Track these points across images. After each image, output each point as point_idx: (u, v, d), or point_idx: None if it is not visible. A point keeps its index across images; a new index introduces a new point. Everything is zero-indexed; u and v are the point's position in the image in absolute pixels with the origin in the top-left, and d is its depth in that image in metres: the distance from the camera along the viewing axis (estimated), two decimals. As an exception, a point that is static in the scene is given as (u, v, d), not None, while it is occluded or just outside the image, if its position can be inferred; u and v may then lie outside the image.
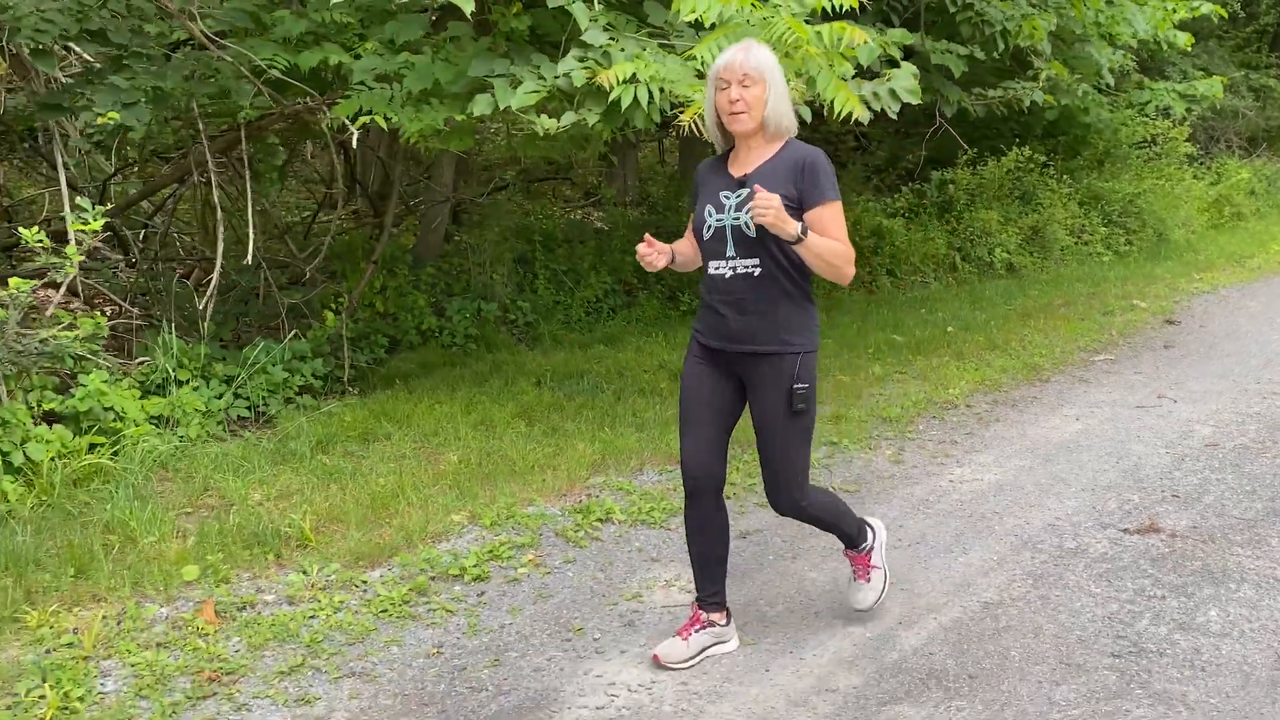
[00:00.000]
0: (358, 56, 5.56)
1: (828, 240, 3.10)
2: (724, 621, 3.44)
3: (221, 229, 5.37)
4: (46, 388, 4.96)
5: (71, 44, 5.82)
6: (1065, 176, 12.12)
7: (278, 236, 6.93)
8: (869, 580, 3.57)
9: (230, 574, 3.88)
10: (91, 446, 4.85)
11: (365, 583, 3.86)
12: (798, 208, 3.09)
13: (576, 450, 5.19)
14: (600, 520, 4.47)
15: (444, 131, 5.06)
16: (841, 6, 4.08)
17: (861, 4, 4.54)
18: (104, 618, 3.51)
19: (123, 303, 6.43)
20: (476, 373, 6.74)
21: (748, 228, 3.12)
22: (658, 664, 3.33)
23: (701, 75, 4.27)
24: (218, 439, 5.35)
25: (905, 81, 4.78)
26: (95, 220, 4.26)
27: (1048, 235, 11.40)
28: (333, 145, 6.08)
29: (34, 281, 4.35)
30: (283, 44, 5.62)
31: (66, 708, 3.04)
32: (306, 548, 4.14)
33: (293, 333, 5.85)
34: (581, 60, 4.70)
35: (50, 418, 4.94)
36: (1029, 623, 3.63)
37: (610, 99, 4.34)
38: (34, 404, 4.83)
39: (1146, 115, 13.53)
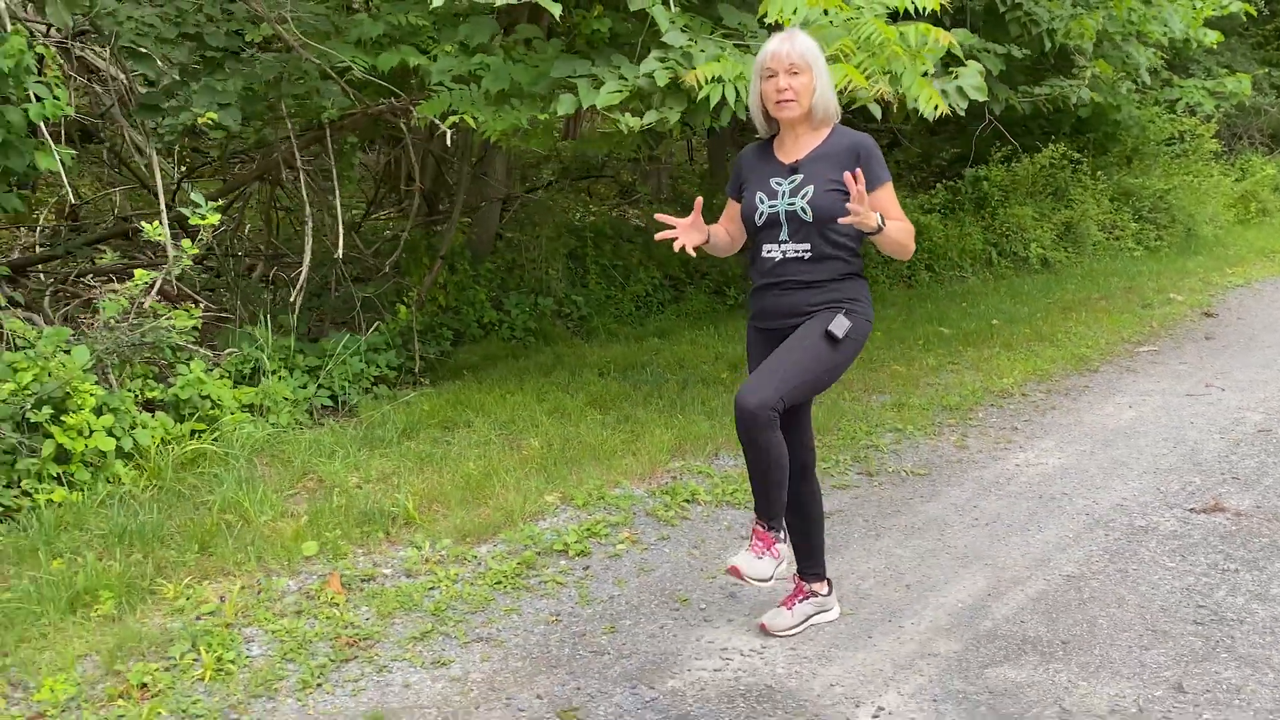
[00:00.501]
0: (434, 58, 5.77)
1: (896, 223, 3.22)
2: (825, 591, 3.63)
3: (310, 225, 5.58)
4: (147, 377, 5.18)
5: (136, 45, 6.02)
6: (1099, 173, 12.28)
7: (344, 233, 7.14)
8: (760, 556, 3.30)
9: (346, 549, 4.09)
10: (192, 433, 5.06)
11: (476, 557, 4.07)
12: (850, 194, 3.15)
13: (654, 436, 5.39)
14: (686, 501, 4.67)
15: (526, 130, 5.25)
16: (924, 9, 4.28)
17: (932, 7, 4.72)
18: (241, 588, 3.72)
19: (197, 296, 6.64)
20: (540, 364, 6.94)
21: (804, 213, 3.21)
22: (764, 632, 3.52)
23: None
24: (306, 426, 5.56)
25: (973, 79, 4.97)
26: (210, 215, 4.47)
27: (1080, 231, 11.57)
28: (410, 143, 6.28)
29: (154, 274, 4.56)
30: (356, 45, 5.82)
31: (220, 669, 3.25)
32: (412, 526, 4.35)
33: (375, 325, 6.06)
34: (662, 60, 4.89)
35: (149, 406, 5.15)
36: (1111, 594, 3.81)
37: (699, 97, 4.54)
38: (137, 392, 5.05)
39: (1173, 113, 13.70)
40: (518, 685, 3.22)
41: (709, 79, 4.47)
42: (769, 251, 3.29)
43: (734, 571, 3.30)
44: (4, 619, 3.51)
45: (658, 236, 3.37)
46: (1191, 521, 4.46)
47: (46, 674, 3.17)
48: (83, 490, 4.44)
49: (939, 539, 4.32)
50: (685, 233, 3.32)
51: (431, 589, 3.81)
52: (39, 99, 4.46)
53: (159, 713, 3.02)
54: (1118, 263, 11.40)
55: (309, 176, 5.78)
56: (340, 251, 5.61)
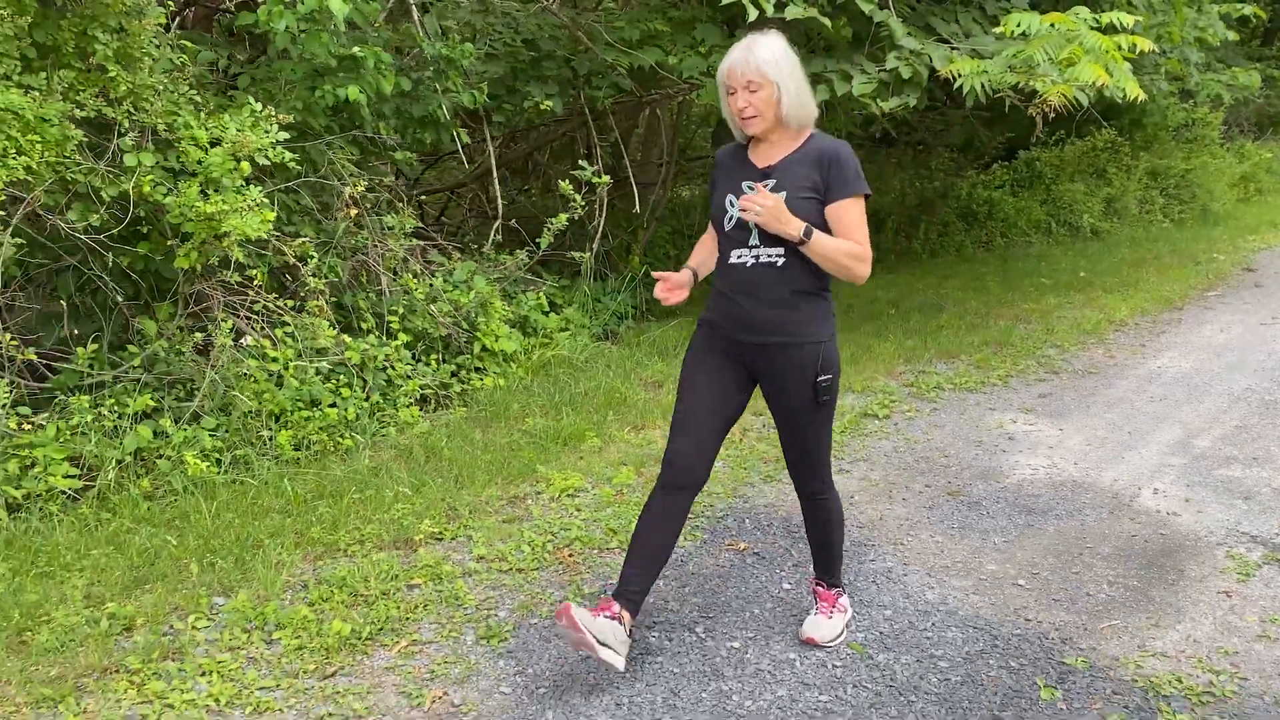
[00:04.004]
0: (679, 59, 7.30)
1: (835, 240, 3.00)
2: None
3: (604, 190, 7.09)
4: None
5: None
6: (1142, 153, 14.05)
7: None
8: (829, 617, 3.47)
9: (720, 414, 5.64)
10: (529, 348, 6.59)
11: (815, 418, 5.64)
12: (821, 200, 3.03)
13: (879, 349, 6.98)
14: (936, 388, 6.27)
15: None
16: (1122, 23, 5.89)
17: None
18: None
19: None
20: (735, 306, 8.49)
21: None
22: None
23: (1011, 69, 6.05)
24: (600, 347, 7.10)
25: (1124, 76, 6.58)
26: (602, 178, 6.00)
27: (1121, 205, 13.31)
28: (663, 125, 7.79)
29: (565, 217, 6.08)
30: (611, 47, 7.34)
31: (706, 474, 4.79)
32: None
33: (644, 269, 7.60)
34: (899, 59, 6.47)
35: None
36: (1272, 434, 5.46)
37: (956, 85, 6.11)
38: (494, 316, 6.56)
39: (1184, 104, 15.53)
40: (904, 483, 4.81)
41: (962, 73, 6.05)
42: (739, 257, 3.10)
43: (807, 635, 3.45)
44: (513, 452, 5.02)
45: (661, 296, 3.24)
46: (1306, 397, 6.14)
47: (587, 474, 4.72)
48: (496, 378, 5.96)
49: (1132, 409, 5.95)
50: (672, 294, 3.23)
51: (803, 434, 5.37)
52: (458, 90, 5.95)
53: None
54: (1153, 231, 13.15)
55: (602, 150, 7.28)
56: (636, 208, 7.14)
